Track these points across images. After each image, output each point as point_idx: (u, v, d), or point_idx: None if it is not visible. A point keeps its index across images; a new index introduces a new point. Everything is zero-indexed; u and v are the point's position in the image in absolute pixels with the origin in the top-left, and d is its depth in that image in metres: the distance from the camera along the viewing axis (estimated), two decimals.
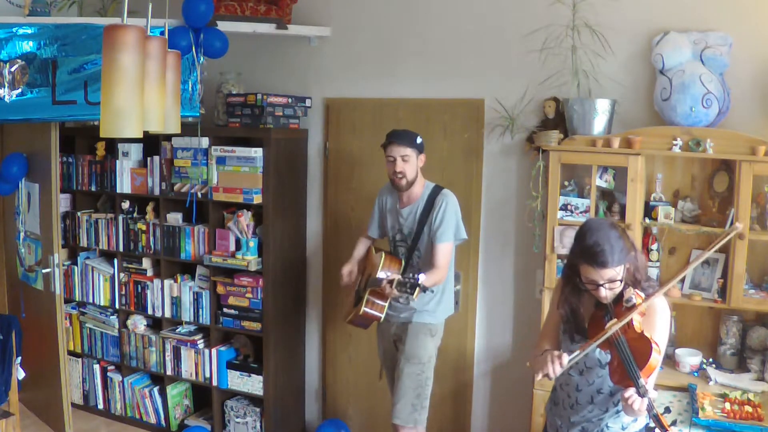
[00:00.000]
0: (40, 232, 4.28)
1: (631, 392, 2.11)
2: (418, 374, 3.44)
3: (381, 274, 3.37)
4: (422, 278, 3.12)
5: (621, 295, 2.26)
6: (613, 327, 2.19)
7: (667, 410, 3.04)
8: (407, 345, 3.46)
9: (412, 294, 3.11)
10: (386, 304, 3.40)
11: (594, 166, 3.37)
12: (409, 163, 3.41)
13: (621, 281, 2.25)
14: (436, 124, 4.01)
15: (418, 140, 3.44)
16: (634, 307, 2.20)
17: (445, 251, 3.39)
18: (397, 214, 3.53)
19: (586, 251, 2.21)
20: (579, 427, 2.47)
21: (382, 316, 3.42)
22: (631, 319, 2.18)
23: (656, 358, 2.13)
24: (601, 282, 2.22)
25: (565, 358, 2.25)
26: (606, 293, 2.25)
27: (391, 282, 3.20)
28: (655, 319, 2.27)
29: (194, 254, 4.33)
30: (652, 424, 2.28)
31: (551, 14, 3.45)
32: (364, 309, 3.41)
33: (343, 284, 3.68)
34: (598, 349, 2.31)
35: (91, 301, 4.74)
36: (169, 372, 4.50)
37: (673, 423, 2.95)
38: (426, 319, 3.48)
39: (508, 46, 3.77)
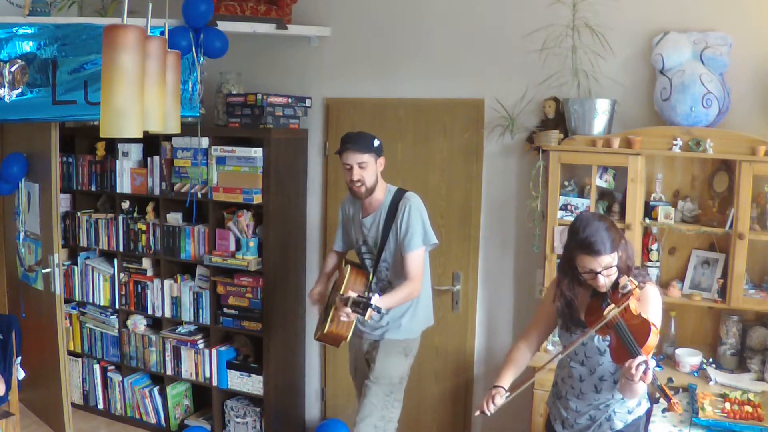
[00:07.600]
0: (40, 232, 4.28)
1: (632, 362, 2.17)
2: (386, 395, 3.21)
3: (348, 292, 3.11)
4: (375, 299, 2.88)
5: (616, 283, 2.35)
6: (612, 311, 2.28)
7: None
8: (377, 363, 3.23)
9: (363, 315, 2.89)
10: (353, 323, 3.15)
11: (594, 166, 3.37)
12: (367, 169, 3.15)
13: (617, 266, 2.35)
14: (436, 124, 4.01)
15: (375, 143, 3.18)
16: (629, 293, 2.29)
17: (416, 260, 3.13)
18: (360, 225, 3.29)
19: (582, 243, 2.32)
20: (587, 415, 2.54)
21: (349, 335, 3.18)
22: (628, 304, 2.27)
23: (654, 338, 2.21)
24: (599, 269, 2.32)
25: (498, 398, 2.45)
26: (604, 281, 2.34)
27: (345, 301, 2.95)
28: (649, 304, 2.38)
29: (194, 254, 4.33)
30: (656, 403, 2.36)
31: (551, 14, 3.45)
32: (329, 328, 3.16)
33: (314, 305, 3.50)
34: (598, 337, 2.41)
35: (91, 301, 4.74)
36: (169, 372, 4.50)
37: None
38: (399, 335, 3.24)
39: (508, 46, 3.77)
